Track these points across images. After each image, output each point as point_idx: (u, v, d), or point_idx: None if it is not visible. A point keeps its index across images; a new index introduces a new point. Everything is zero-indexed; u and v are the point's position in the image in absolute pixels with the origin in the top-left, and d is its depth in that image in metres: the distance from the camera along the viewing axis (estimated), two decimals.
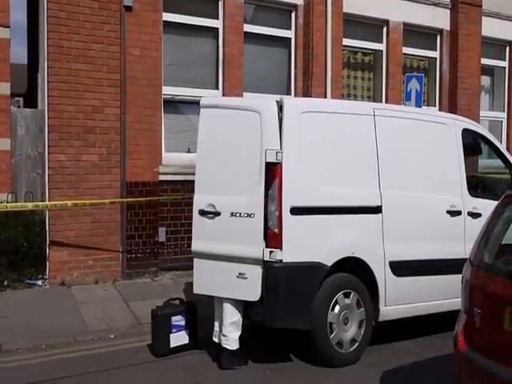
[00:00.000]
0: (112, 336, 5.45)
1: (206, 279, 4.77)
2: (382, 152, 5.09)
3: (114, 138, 7.06)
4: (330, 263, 4.67)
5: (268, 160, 4.49)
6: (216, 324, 4.86)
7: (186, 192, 7.22)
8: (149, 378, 4.56)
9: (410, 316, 5.26)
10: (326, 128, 4.84)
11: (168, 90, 7.55)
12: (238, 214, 4.55)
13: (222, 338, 4.68)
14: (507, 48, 11.27)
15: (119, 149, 7.09)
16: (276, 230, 4.49)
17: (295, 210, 4.54)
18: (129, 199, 7.04)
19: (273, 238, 4.50)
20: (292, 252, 4.52)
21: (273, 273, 4.48)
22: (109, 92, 6.99)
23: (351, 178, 4.92)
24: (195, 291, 4.88)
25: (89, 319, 5.77)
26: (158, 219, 7.38)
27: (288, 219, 4.51)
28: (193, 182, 6.63)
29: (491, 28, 10.56)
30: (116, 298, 6.56)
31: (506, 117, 11.26)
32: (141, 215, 7.23)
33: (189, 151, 7.80)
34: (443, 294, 5.40)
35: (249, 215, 4.49)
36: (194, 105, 7.30)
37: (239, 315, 4.70)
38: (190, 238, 7.25)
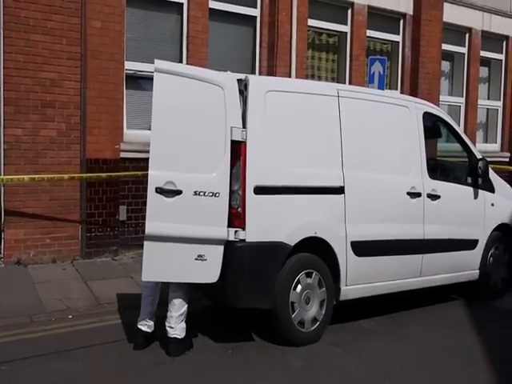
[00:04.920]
0: (70, 316, 5.32)
1: (159, 264, 4.34)
2: (346, 133, 5.12)
3: (73, 113, 6.85)
4: (292, 243, 4.69)
5: (233, 138, 4.43)
6: (143, 311, 4.71)
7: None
8: (109, 358, 4.48)
9: (370, 295, 5.37)
10: (290, 108, 4.82)
11: (130, 66, 7.35)
12: (202, 193, 4.33)
13: (169, 329, 4.54)
14: (467, 34, 11.47)
15: (79, 124, 6.89)
16: (239, 210, 4.47)
17: (259, 190, 4.52)
18: (88, 175, 6.87)
19: (236, 218, 4.47)
20: (255, 231, 4.51)
21: (236, 253, 4.46)
22: (68, 65, 6.75)
23: (315, 158, 4.93)
24: (145, 278, 4.35)
25: (46, 299, 5.63)
26: (119, 197, 7.25)
27: (252, 199, 4.49)
28: None
29: (452, 14, 10.73)
30: (75, 277, 6.42)
31: (464, 102, 11.51)
32: (101, 193, 7.08)
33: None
34: (402, 274, 5.54)
35: (214, 194, 4.36)
36: None
37: (187, 305, 4.59)
38: None
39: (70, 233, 6.97)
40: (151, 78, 7.51)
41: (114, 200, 7.18)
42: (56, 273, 6.49)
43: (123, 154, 7.23)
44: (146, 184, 7.15)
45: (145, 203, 7.26)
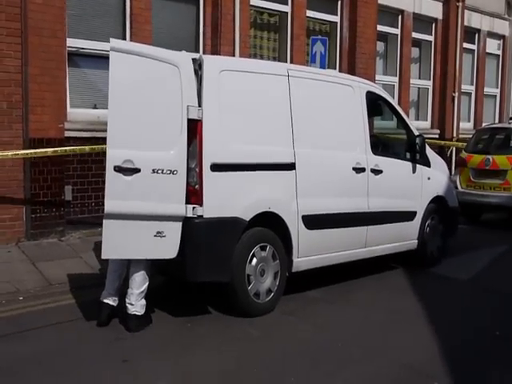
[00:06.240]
0: (21, 298, 5.25)
1: (119, 242, 4.36)
2: (296, 111, 5.31)
3: (15, 91, 6.64)
4: (248, 218, 4.85)
5: (190, 116, 4.51)
6: (109, 285, 4.75)
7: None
8: (66, 337, 4.49)
9: (320, 266, 5.63)
10: (243, 87, 4.95)
11: (73, 43, 7.19)
12: (160, 171, 4.39)
13: (129, 306, 4.60)
14: (400, 16, 11.94)
15: (21, 103, 6.70)
16: (197, 187, 4.58)
17: (215, 167, 4.64)
18: (33, 150, 6.64)
19: (193, 195, 4.58)
20: (212, 208, 4.64)
21: (194, 228, 4.58)
22: (8, 42, 6.53)
23: (267, 136, 5.10)
24: (104, 256, 4.37)
25: None
26: (64, 177, 7.13)
27: (208, 176, 4.60)
28: (100, 139, 6.48)
29: None
30: (22, 259, 6.29)
31: (397, 81, 12.01)
32: (45, 173, 6.93)
33: (95, 107, 7.55)
34: (348, 245, 5.84)
35: (172, 172, 4.43)
36: (100, 59, 7.05)
37: (148, 283, 4.67)
38: (97, 197, 7.23)
39: (13, 214, 6.81)
40: (95, 56, 7.49)
41: (59, 180, 7.06)
42: (1, 255, 6.33)
43: (67, 133, 7.11)
44: (92, 163, 7.28)
45: (90, 183, 7.37)
